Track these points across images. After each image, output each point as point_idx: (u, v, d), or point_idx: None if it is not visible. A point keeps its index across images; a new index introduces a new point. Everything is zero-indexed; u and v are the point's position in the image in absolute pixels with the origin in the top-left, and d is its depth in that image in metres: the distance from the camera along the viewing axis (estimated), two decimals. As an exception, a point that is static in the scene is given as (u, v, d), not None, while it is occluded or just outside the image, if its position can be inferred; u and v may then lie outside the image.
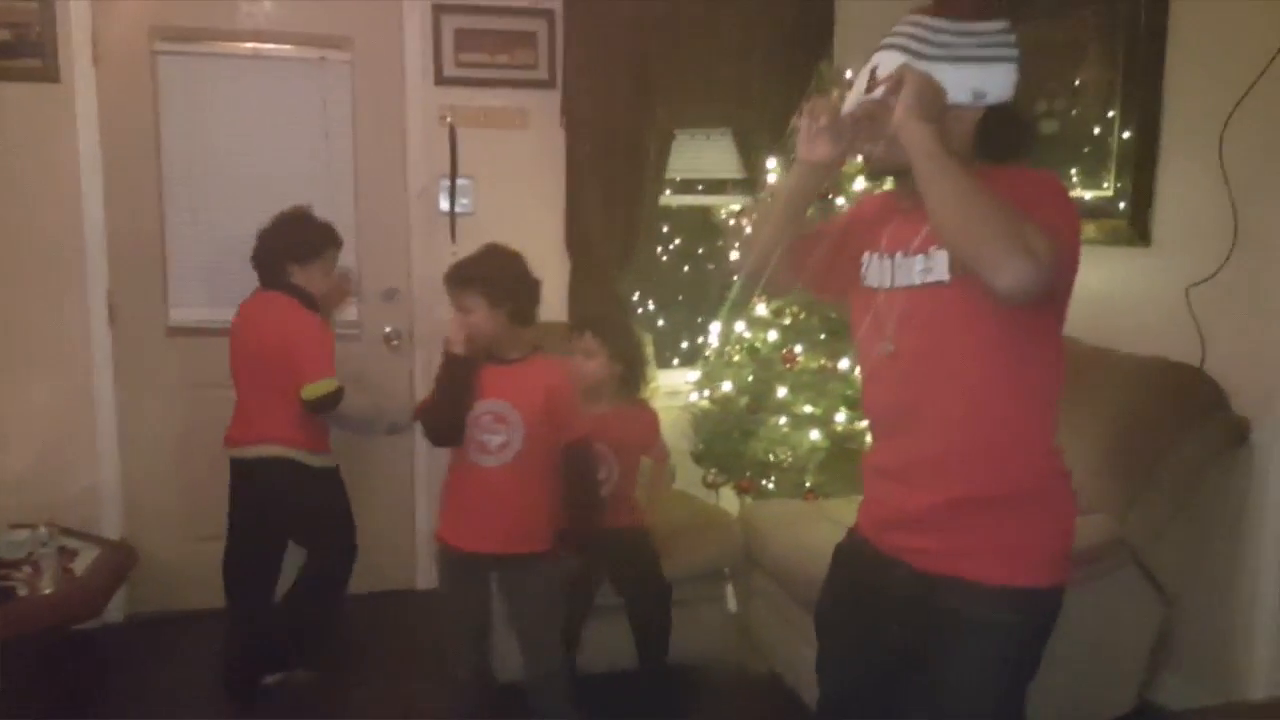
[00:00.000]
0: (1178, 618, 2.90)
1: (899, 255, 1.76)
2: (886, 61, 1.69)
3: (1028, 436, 1.73)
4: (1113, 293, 3.20)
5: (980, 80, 1.68)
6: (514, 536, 2.59)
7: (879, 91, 1.67)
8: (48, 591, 2.88)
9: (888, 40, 1.72)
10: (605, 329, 3.07)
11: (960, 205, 1.54)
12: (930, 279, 1.70)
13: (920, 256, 1.72)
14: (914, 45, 1.68)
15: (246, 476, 3.13)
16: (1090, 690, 2.79)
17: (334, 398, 2.99)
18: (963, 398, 1.70)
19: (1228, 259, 2.85)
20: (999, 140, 1.72)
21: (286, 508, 3.12)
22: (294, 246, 3.11)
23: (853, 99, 1.75)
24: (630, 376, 3.09)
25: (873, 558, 1.85)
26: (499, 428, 2.54)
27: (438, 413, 2.58)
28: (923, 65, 1.66)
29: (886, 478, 1.84)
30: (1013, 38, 1.71)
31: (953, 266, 1.66)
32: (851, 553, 1.94)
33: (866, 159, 1.80)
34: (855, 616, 1.92)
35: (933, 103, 1.64)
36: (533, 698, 2.72)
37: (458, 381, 2.54)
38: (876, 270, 1.82)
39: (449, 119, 3.88)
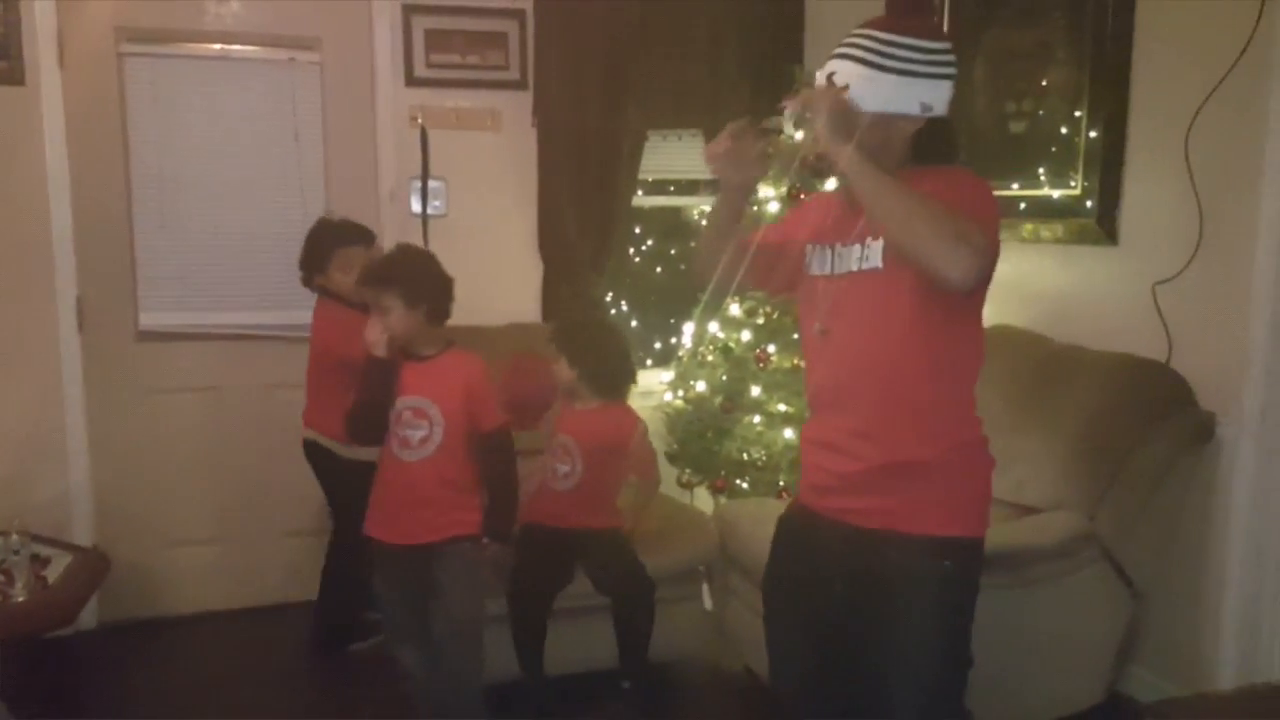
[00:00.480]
0: (1146, 611, 2.94)
1: (839, 245, 1.88)
2: (842, 69, 1.78)
3: (949, 407, 1.86)
4: (1081, 291, 3.25)
5: (928, 95, 1.79)
6: (438, 526, 2.65)
7: (787, 111, 1.78)
8: (20, 600, 2.84)
9: (842, 50, 1.81)
10: (577, 334, 3.13)
11: (900, 212, 1.67)
12: (866, 266, 1.83)
13: (858, 245, 1.84)
14: (869, 57, 1.77)
15: (306, 456, 3.42)
16: (1061, 682, 2.83)
17: None
18: (888, 373, 1.83)
19: (1193, 257, 2.90)
20: (934, 148, 1.84)
21: (323, 487, 3.44)
22: (307, 259, 3.38)
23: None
24: (607, 379, 3.11)
25: (814, 522, 1.96)
26: (420, 423, 2.61)
27: (362, 412, 2.63)
28: (877, 75, 1.76)
29: (823, 448, 1.95)
30: (954, 58, 1.82)
31: (885, 254, 1.78)
32: (794, 521, 2.05)
33: (804, 163, 1.85)
34: (801, 583, 2.01)
35: (846, 121, 1.72)
36: (445, 652, 2.71)
37: (380, 381, 2.61)
38: (820, 259, 1.94)
39: (420, 120, 3.87)
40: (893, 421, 1.84)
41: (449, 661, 2.72)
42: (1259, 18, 2.69)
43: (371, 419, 2.62)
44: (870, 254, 1.82)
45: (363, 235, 3.41)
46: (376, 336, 2.58)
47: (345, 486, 3.18)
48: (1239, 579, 2.85)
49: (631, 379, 3.23)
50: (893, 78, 1.76)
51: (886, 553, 1.85)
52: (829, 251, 1.91)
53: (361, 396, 2.62)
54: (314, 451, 3.37)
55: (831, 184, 3.45)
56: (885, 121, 1.77)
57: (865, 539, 1.87)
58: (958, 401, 1.89)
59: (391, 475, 2.66)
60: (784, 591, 2.09)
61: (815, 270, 1.95)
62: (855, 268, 1.85)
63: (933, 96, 1.79)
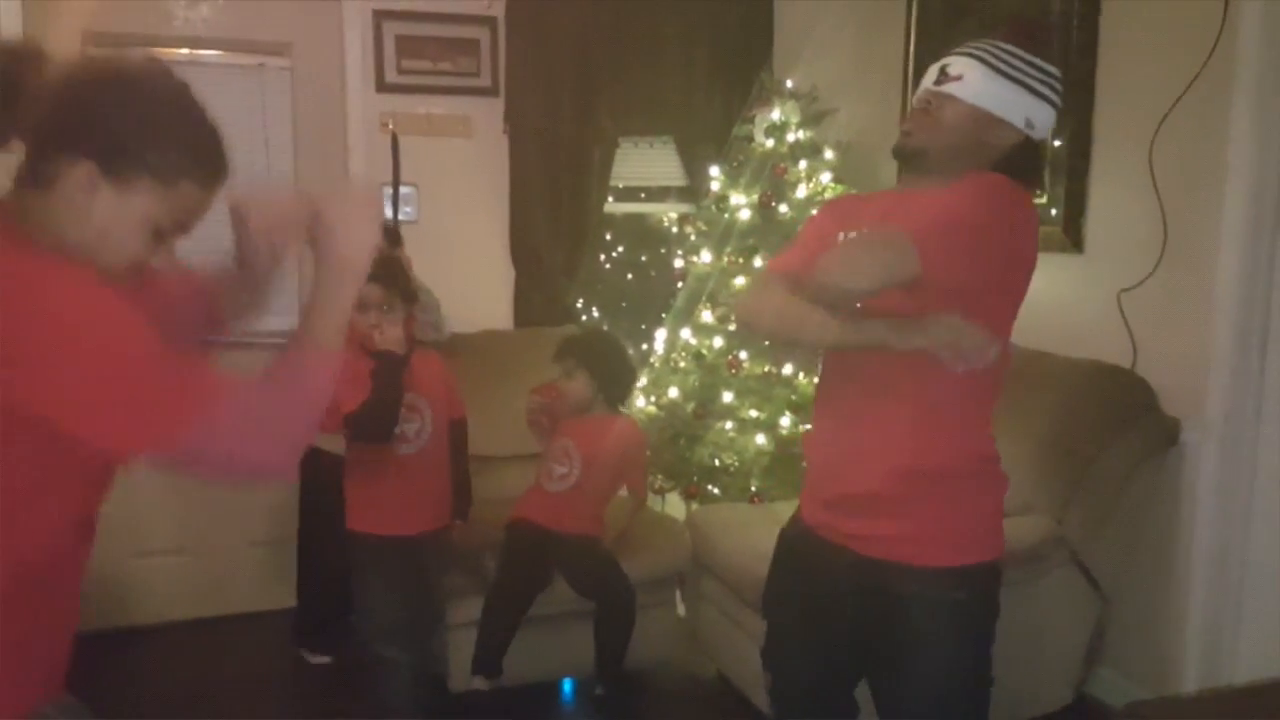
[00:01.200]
0: (1113, 613, 2.98)
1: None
2: (959, 64, 1.81)
3: (971, 417, 1.83)
4: (1047, 298, 3.25)
5: (1033, 111, 1.81)
6: (431, 515, 2.80)
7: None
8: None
9: (963, 50, 1.84)
10: (595, 346, 3.17)
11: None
12: None
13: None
14: (989, 59, 1.80)
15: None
16: (1029, 685, 2.85)
17: None
18: (915, 373, 1.75)
19: (1158, 264, 2.95)
20: (1019, 171, 1.83)
21: (302, 483, 3.39)
22: None
23: (924, 83, 1.85)
24: (621, 390, 3.19)
25: (818, 544, 1.91)
26: (413, 417, 2.73)
27: (381, 412, 2.63)
28: (993, 76, 1.78)
29: (832, 454, 1.90)
30: (1062, 89, 1.84)
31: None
32: (796, 539, 2.00)
33: (903, 136, 1.87)
34: (804, 604, 1.97)
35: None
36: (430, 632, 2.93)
37: (398, 380, 2.64)
38: None
39: (391, 126, 3.86)
40: (915, 423, 1.78)
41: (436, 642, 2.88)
42: (1220, 29, 2.74)
43: (391, 416, 2.64)
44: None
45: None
46: (396, 335, 2.63)
47: (319, 479, 3.06)
48: (1203, 582, 2.89)
49: (634, 387, 3.31)
50: (1007, 83, 1.79)
51: (898, 582, 1.79)
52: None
53: (383, 395, 2.60)
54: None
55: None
56: (986, 123, 1.80)
57: (872, 567, 1.81)
58: (980, 412, 1.84)
59: (388, 470, 2.72)
60: (787, 609, 2.04)
61: None
62: None
63: (1037, 115, 1.81)
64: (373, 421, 2.62)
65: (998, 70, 1.79)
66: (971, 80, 1.79)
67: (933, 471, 1.78)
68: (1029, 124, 1.81)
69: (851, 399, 1.87)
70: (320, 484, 3.07)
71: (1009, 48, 1.82)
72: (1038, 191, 2.02)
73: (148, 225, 1.26)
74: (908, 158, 1.87)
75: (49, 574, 1.33)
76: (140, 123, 1.24)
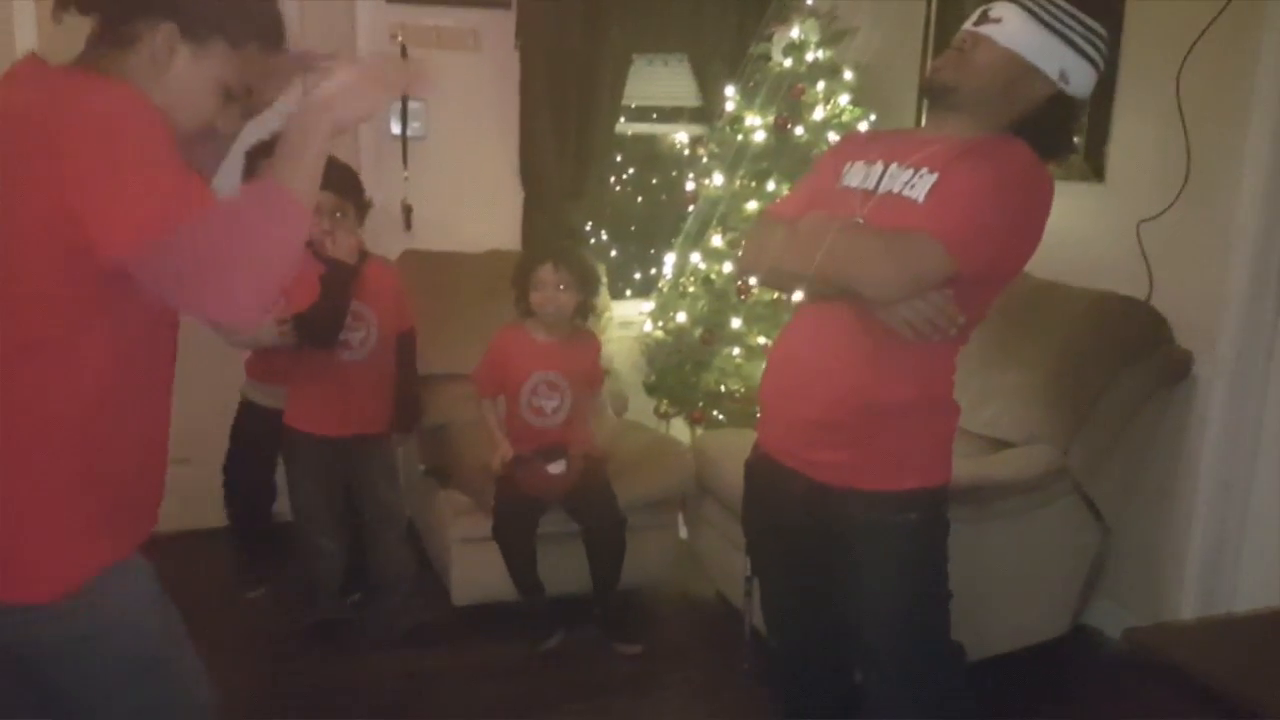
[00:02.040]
0: (1113, 544, 2.99)
1: (894, 165, 1.85)
2: (999, 8, 1.80)
3: (929, 358, 1.85)
4: (1065, 228, 3.19)
5: (1070, 64, 1.78)
6: (365, 420, 2.93)
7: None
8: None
9: None
10: (569, 260, 3.03)
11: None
12: (909, 193, 1.80)
13: (911, 170, 1.82)
14: (1032, 4, 1.79)
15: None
16: (1027, 614, 2.88)
17: None
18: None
19: (1178, 197, 2.90)
20: (1047, 131, 1.84)
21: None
22: None
23: (966, 26, 1.84)
24: (584, 307, 3.08)
25: (777, 472, 1.97)
26: (358, 326, 2.84)
27: (326, 319, 2.74)
28: (1032, 22, 1.77)
29: (789, 381, 1.94)
30: (1105, 49, 1.82)
31: (932, 193, 1.77)
32: (756, 466, 2.08)
33: (933, 71, 1.87)
34: (771, 526, 2.07)
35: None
36: (382, 537, 3.07)
37: (347, 286, 2.75)
38: (860, 173, 1.90)
39: (400, 38, 3.78)
40: (868, 355, 1.82)
41: (386, 546, 3.06)
42: (1255, -47, 2.65)
43: (336, 324, 2.76)
44: (918, 183, 1.80)
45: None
46: (349, 244, 2.74)
47: (251, 429, 3.28)
48: (1206, 515, 2.90)
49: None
50: (1046, 32, 1.77)
51: (849, 506, 1.87)
52: (878, 166, 1.87)
53: (330, 303, 2.71)
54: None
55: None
56: (1019, 70, 1.78)
57: (827, 492, 1.89)
58: (937, 355, 1.87)
59: (331, 374, 2.84)
60: (760, 538, 2.15)
61: (851, 182, 1.91)
62: (897, 190, 1.82)
63: (1074, 68, 1.79)
64: (317, 327, 2.74)
65: (1039, 18, 1.78)
66: (1011, 24, 1.78)
67: (885, 404, 1.83)
68: (1063, 76, 1.79)
69: (812, 329, 1.92)
70: (252, 435, 3.26)
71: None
72: (1064, 159, 2.03)
73: (220, 86, 1.37)
74: (937, 93, 1.86)
75: (129, 396, 1.37)
76: None
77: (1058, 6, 1.80)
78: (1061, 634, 2.97)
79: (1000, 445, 2.92)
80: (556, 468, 2.98)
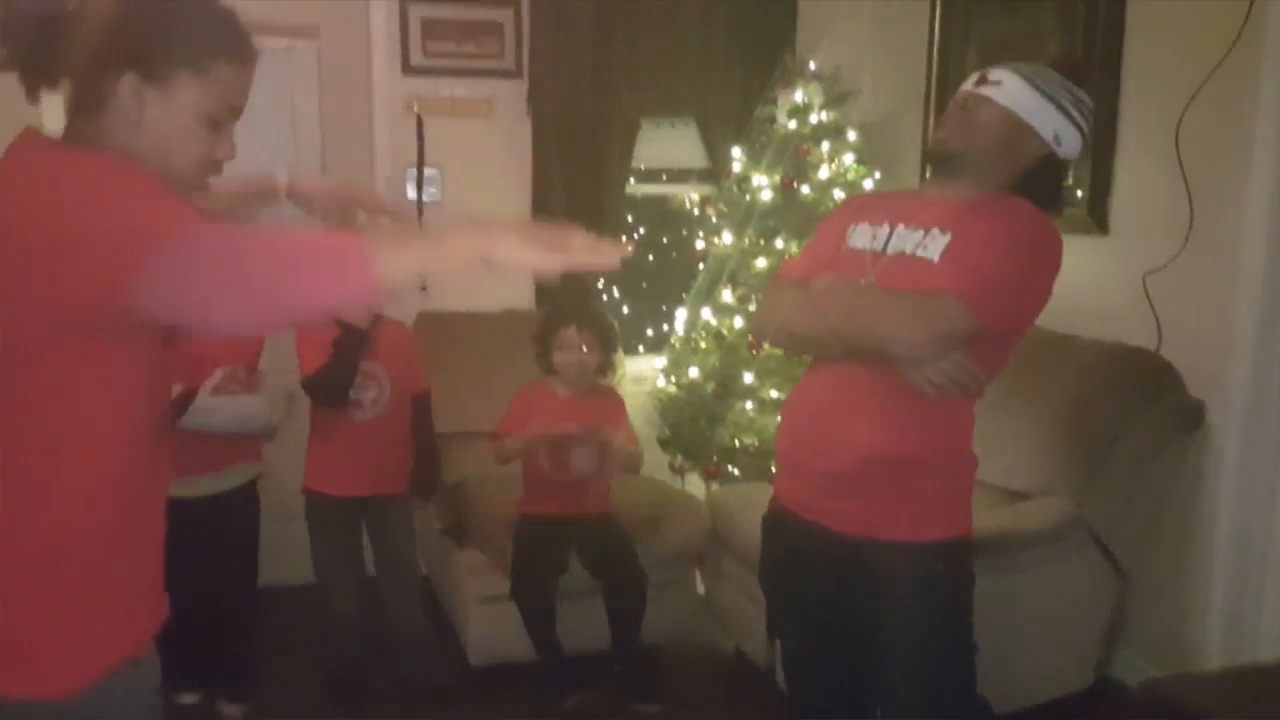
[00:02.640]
0: (1134, 595, 2.98)
1: (901, 226, 1.91)
2: (997, 72, 1.92)
3: (947, 410, 1.88)
4: (1072, 280, 3.22)
5: (1061, 128, 1.89)
6: (382, 479, 2.97)
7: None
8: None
9: (1007, 65, 1.94)
10: (591, 321, 3.11)
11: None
12: (921, 253, 1.86)
13: (921, 231, 1.88)
14: (1027, 72, 1.91)
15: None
16: (1050, 666, 2.86)
17: None
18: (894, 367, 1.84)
19: (1183, 247, 2.93)
20: (1042, 190, 1.93)
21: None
22: None
23: (963, 87, 1.97)
24: (605, 366, 3.14)
25: (795, 524, 1.99)
26: (370, 385, 2.89)
27: (337, 378, 2.80)
28: (1028, 87, 1.88)
29: (807, 433, 1.96)
30: (1091, 119, 1.94)
31: (946, 252, 1.83)
32: (774, 520, 2.09)
33: (938, 141, 1.97)
34: (792, 580, 2.07)
35: None
36: (398, 598, 3.09)
37: (358, 350, 2.79)
38: (867, 235, 1.96)
39: (416, 108, 3.88)
40: (888, 409, 1.85)
41: (402, 607, 3.07)
42: (1249, 8, 2.71)
43: (344, 385, 2.82)
44: (931, 244, 1.86)
45: None
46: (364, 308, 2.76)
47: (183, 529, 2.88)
48: (1225, 563, 2.89)
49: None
50: (1041, 96, 1.88)
51: (873, 558, 1.88)
52: (885, 229, 1.93)
53: (339, 364, 2.77)
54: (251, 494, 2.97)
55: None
56: (1018, 130, 1.88)
57: (850, 545, 1.89)
58: (960, 408, 1.91)
59: (343, 434, 2.90)
60: (779, 595, 2.15)
61: (858, 244, 1.96)
62: (909, 250, 1.88)
63: (1065, 133, 1.90)
64: (326, 387, 2.81)
65: (1033, 84, 1.89)
66: (1009, 86, 1.88)
67: (907, 456, 1.86)
68: (1056, 139, 1.89)
69: (829, 384, 1.95)
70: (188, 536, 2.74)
71: (1045, 69, 1.92)
72: (1059, 211, 2.15)
73: (201, 117, 1.30)
74: (943, 161, 1.94)
75: (128, 496, 1.31)
76: (161, 20, 1.27)
77: (1049, 76, 1.91)
78: (1085, 686, 2.95)
79: (1016, 496, 2.93)
80: (585, 460, 3.01)
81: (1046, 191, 1.94)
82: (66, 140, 1.30)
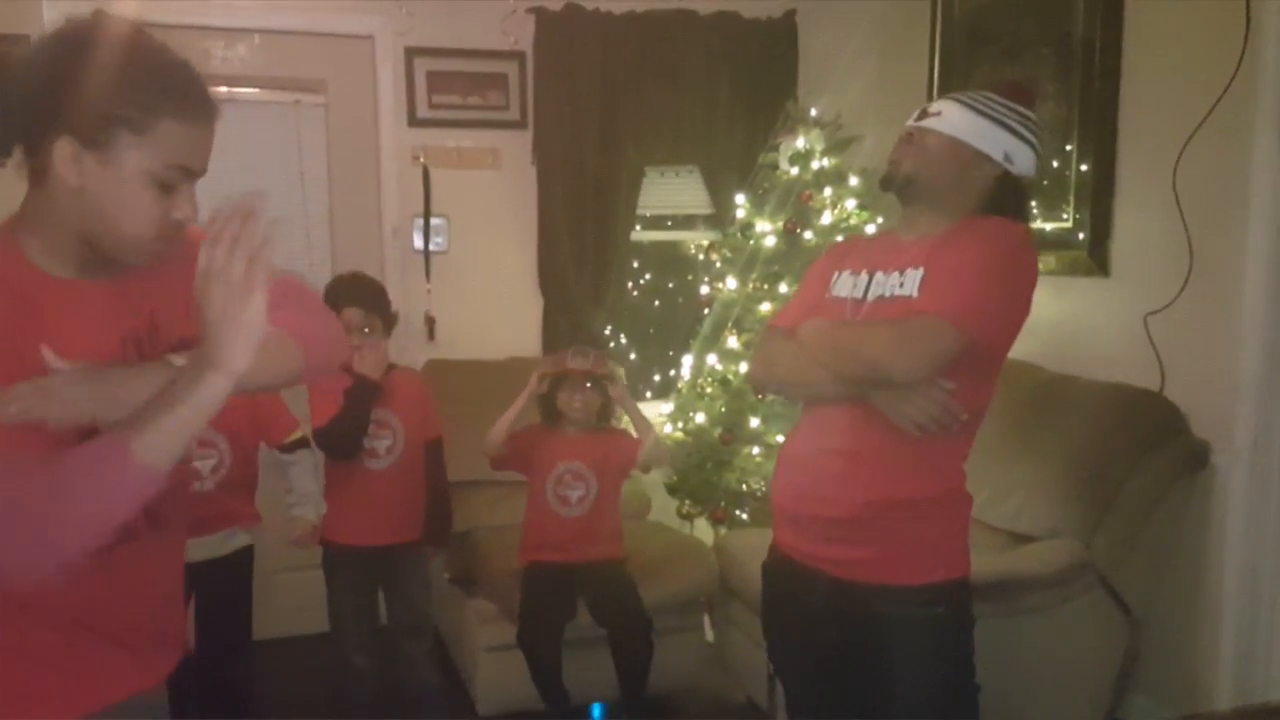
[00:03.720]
0: (1144, 638, 2.96)
1: (879, 273, 1.95)
2: (937, 104, 1.99)
3: (941, 451, 1.91)
4: (1074, 322, 3.29)
5: (1011, 147, 1.94)
6: (398, 528, 2.96)
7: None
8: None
9: (948, 96, 2.00)
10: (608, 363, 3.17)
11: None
12: (900, 292, 1.89)
13: (897, 273, 1.91)
14: (969, 100, 1.97)
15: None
16: (1060, 711, 2.83)
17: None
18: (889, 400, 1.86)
19: (1184, 287, 2.94)
20: (1007, 207, 1.97)
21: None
22: None
23: (909, 123, 2.01)
24: (608, 409, 3.16)
25: (796, 571, 2.00)
26: (384, 434, 2.89)
27: (350, 429, 2.80)
28: (972, 114, 1.93)
29: (803, 480, 1.98)
30: (1039, 132, 1.99)
31: (922, 286, 1.86)
32: (773, 568, 2.10)
33: (891, 165, 2.01)
34: (795, 632, 2.08)
35: None
36: (409, 650, 3.04)
37: (370, 399, 2.80)
38: (848, 283, 2.00)
39: (422, 159, 3.94)
40: (882, 453, 1.88)
41: (413, 658, 3.03)
42: (1243, 52, 2.75)
43: (357, 437, 2.82)
44: (907, 282, 1.89)
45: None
46: (376, 360, 2.80)
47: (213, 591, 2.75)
48: (1235, 605, 2.87)
49: None
50: (985, 121, 1.93)
51: (874, 602, 1.89)
52: (864, 276, 1.97)
53: (351, 415, 2.78)
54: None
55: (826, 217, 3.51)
56: (967, 156, 1.93)
57: (847, 589, 1.91)
58: (948, 448, 1.93)
59: (357, 483, 2.89)
60: (780, 640, 2.17)
61: (841, 292, 2.00)
62: (889, 294, 1.91)
63: (1015, 150, 1.94)
64: (338, 439, 2.81)
65: (974, 109, 1.94)
66: (950, 116, 1.93)
67: (903, 500, 1.87)
68: (1008, 158, 1.93)
69: (822, 430, 1.97)
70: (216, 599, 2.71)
71: (986, 93, 1.97)
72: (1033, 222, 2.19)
73: (146, 179, 1.21)
74: (899, 186, 1.98)
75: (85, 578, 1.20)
76: (93, 81, 1.18)
77: (988, 98, 1.96)
78: (1096, 731, 2.92)
79: (1022, 539, 2.92)
80: (575, 490, 3.04)
81: (1012, 211, 1.97)
82: (19, 216, 1.25)
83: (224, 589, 2.73)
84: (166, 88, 1.21)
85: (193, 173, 1.26)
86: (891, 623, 1.89)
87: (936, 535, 1.92)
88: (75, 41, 1.20)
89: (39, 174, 1.21)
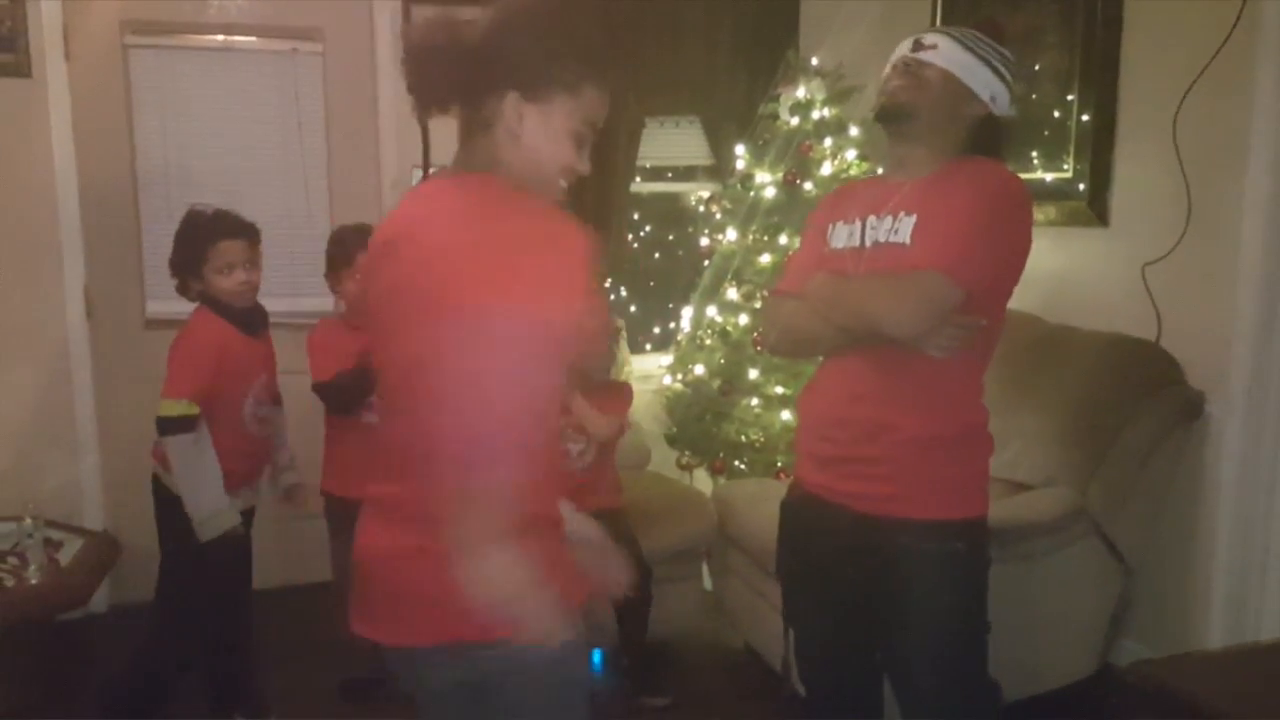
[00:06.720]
0: (1137, 585, 3.00)
1: (871, 218, 1.96)
2: (931, 36, 1.98)
3: (961, 385, 1.94)
4: (1073, 272, 3.29)
5: (995, 88, 1.97)
6: None
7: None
8: (34, 582, 2.91)
9: (940, 29, 2.03)
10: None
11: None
12: (894, 239, 1.91)
13: (890, 218, 1.92)
14: (960, 36, 1.98)
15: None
16: (1053, 656, 2.89)
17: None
18: (900, 348, 1.89)
19: (1182, 238, 2.95)
20: (987, 147, 1.98)
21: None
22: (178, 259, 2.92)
23: (896, 55, 2.01)
24: (607, 355, 3.17)
25: (816, 506, 2.02)
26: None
27: (361, 382, 2.76)
28: (962, 50, 1.95)
29: (825, 421, 2.01)
30: (1016, 72, 2.01)
31: (914, 232, 1.88)
32: (796, 506, 2.12)
33: (889, 96, 1.99)
34: (811, 565, 2.09)
35: None
36: None
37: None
38: (844, 233, 2.01)
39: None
40: (901, 397, 1.91)
41: None
42: (1243, 3, 2.73)
43: (360, 397, 2.81)
44: (900, 228, 1.91)
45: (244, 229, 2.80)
46: None
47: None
48: (1227, 553, 2.91)
49: None
50: (973, 58, 1.95)
51: (897, 536, 1.92)
52: (858, 225, 1.98)
53: (361, 376, 2.74)
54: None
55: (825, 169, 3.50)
56: (959, 92, 1.94)
57: (871, 523, 1.93)
58: (967, 384, 1.96)
59: (358, 437, 2.85)
60: (796, 580, 2.18)
61: (839, 244, 2.02)
62: (884, 239, 1.93)
63: (998, 92, 1.96)
64: (341, 394, 2.84)
65: (964, 45, 1.95)
66: (944, 49, 1.94)
67: (925, 437, 1.90)
68: (993, 99, 1.95)
69: (849, 368, 1.98)
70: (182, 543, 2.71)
71: (975, 33, 1.98)
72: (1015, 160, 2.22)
73: (569, 135, 1.43)
74: (896, 116, 1.97)
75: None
76: (542, 43, 1.39)
77: (976, 36, 1.98)
78: (1088, 675, 2.96)
79: (1019, 488, 2.95)
80: (576, 444, 2.99)
81: (994, 152, 1.99)
82: (461, 163, 1.46)
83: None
84: (593, 55, 1.43)
85: (596, 131, 1.47)
86: (912, 556, 1.92)
87: (958, 473, 1.95)
88: (520, 7, 1.41)
89: (485, 125, 1.42)
